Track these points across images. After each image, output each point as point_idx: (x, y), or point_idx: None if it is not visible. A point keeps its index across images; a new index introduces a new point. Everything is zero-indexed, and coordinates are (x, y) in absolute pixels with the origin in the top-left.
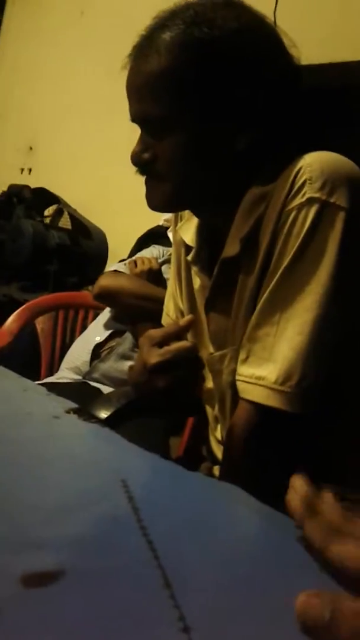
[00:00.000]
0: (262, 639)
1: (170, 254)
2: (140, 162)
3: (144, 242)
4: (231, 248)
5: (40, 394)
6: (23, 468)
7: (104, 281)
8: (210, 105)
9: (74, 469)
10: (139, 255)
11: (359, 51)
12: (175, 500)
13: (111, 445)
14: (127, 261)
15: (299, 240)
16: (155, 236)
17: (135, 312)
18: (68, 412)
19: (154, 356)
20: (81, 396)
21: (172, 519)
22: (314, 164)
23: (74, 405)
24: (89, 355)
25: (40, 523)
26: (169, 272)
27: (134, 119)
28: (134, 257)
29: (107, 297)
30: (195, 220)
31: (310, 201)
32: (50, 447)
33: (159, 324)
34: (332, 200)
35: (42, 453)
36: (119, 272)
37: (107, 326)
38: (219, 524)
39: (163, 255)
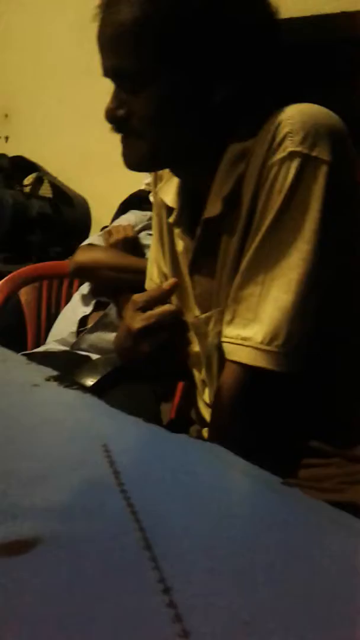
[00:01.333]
0: (245, 600)
1: (148, 220)
2: (115, 118)
3: (126, 207)
4: (213, 208)
5: (20, 363)
6: (2, 436)
7: (78, 257)
8: (184, 57)
9: (54, 436)
10: (114, 223)
11: (339, 3)
12: (158, 463)
13: (92, 412)
14: (102, 232)
15: (282, 196)
16: (138, 201)
17: (114, 284)
18: (48, 379)
19: (138, 321)
20: (70, 364)
21: (154, 481)
22: (294, 116)
23: (54, 372)
24: (75, 326)
25: (17, 491)
26: (147, 238)
27: (107, 73)
28: (109, 227)
29: (83, 273)
30: (175, 181)
31: (291, 155)
32: (29, 415)
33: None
34: (314, 153)
35: (21, 421)
36: (94, 245)
37: (91, 296)
38: (201, 484)
39: (141, 222)
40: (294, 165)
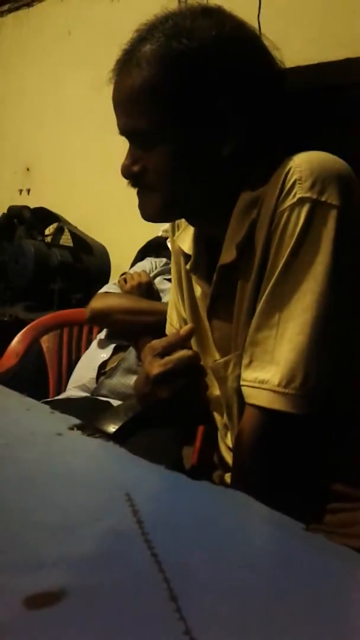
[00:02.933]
0: None
1: (163, 265)
2: (130, 174)
3: (144, 253)
4: (228, 254)
5: (44, 412)
6: (25, 487)
7: (94, 304)
8: (193, 114)
9: (77, 486)
10: (130, 270)
11: (343, 50)
12: (181, 510)
13: (115, 460)
14: (118, 280)
15: (293, 240)
16: (155, 247)
17: (130, 328)
18: (71, 428)
19: (156, 367)
20: (92, 410)
21: (177, 529)
22: (302, 164)
23: (77, 421)
24: (95, 372)
25: (42, 542)
26: (161, 283)
27: (122, 132)
28: (123, 275)
29: (99, 319)
30: (191, 229)
31: (301, 201)
32: (52, 465)
33: (158, 336)
34: (323, 198)
35: (45, 471)
36: (109, 292)
37: (110, 341)
38: (225, 532)
39: (156, 268)
40: (304, 210)
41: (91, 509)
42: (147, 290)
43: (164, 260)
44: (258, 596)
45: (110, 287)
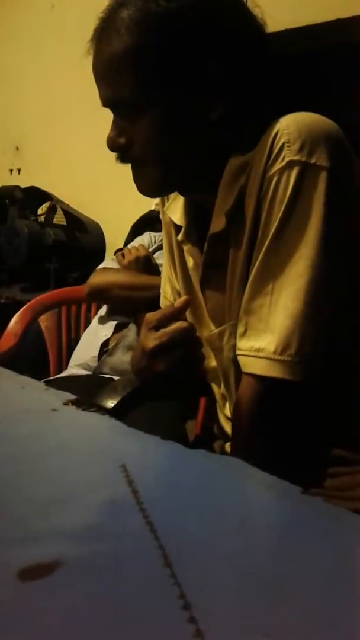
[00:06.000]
0: (267, 614)
1: (161, 239)
2: (116, 146)
3: (137, 229)
4: (217, 223)
5: (39, 390)
6: (20, 462)
7: (92, 280)
8: (177, 79)
9: (72, 459)
10: (129, 245)
11: (334, 11)
12: (176, 480)
13: (110, 432)
14: (115, 255)
15: (283, 205)
16: (149, 222)
17: (130, 303)
18: (66, 403)
19: (152, 340)
20: (93, 387)
21: (173, 497)
22: (290, 126)
23: (72, 396)
24: (97, 350)
25: (36, 515)
26: (161, 257)
27: (105, 103)
28: (121, 250)
29: (98, 295)
30: (181, 200)
31: (290, 164)
32: (48, 440)
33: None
34: (312, 161)
35: (39, 445)
36: (107, 268)
37: (110, 319)
38: (221, 498)
39: (155, 242)
40: (294, 174)
41: (86, 480)
42: (146, 264)
43: (162, 233)
44: (254, 560)
45: (109, 262)
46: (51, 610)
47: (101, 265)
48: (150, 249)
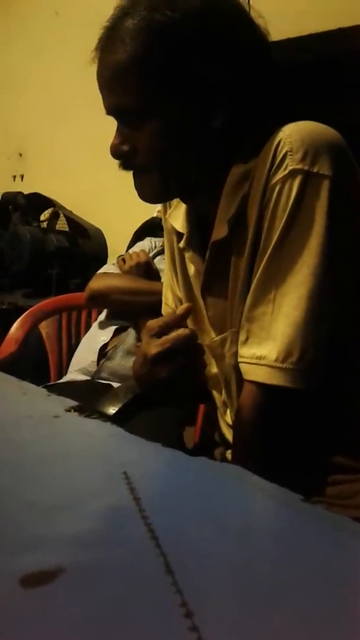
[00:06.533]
0: (267, 622)
1: (162, 245)
2: (120, 154)
3: (140, 235)
4: (220, 230)
5: (41, 396)
6: (21, 468)
7: (92, 284)
8: (179, 88)
9: (74, 466)
10: (129, 251)
11: (335, 20)
12: (177, 487)
13: (112, 440)
14: (116, 260)
15: (286, 213)
16: (151, 228)
17: (130, 308)
18: (68, 410)
19: (154, 347)
20: (92, 393)
21: (174, 505)
22: (293, 134)
23: (75, 403)
24: (96, 355)
25: (38, 522)
26: (161, 263)
27: (109, 111)
28: (122, 255)
29: (98, 299)
30: (183, 207)
31: (293, 173)
32: (49, 446)
33: (157, 316)
34: (315, 169)
35: (42, 452)
36: (107, 273)
37: (109, 324)
38: (222, 505)
39: (155, 247)
40: (296, 182)
41: (87, 487)
42: (146, 270)
43: (163, 240)
44: (255, 568)
45: (109, 267)
46: (53, 617)
47: (101, 270)
48: (151, 254)
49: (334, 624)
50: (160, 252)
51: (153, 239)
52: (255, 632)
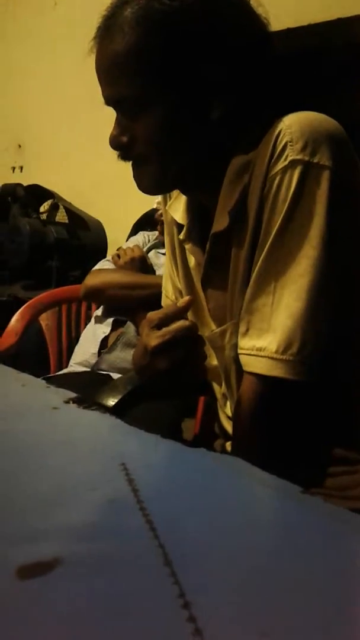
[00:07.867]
0: (266, 612)
1: (155, 239)
2: (119, 145)
3: (139, 227)
4: (220, 222)
5: (40, 387)
6: (19, 460)
7: (88, 280)
8: (178, 78)
9: (72, 457)
10: (123, 246)
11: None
12: (176, 478)
13: (111, 430)
14: (111, 256)
15: (286, 204)
16: (150, 220)
17: (126, 302)
18: (67, 401)
19: (154, 338)
20: (92, 385)
21: (173, 496)
22: (293, 125)
23: (74, 395)
24: (97, 347)
25: (35, 513)
26: (155, 257)
27: (108, 102)
28: (116, 251)
29: (94, 295)
30: (183, 198)
31: (293, 163)
32: (48, 438)
33: (154, 309)
34: (315, 160)
35: (40, 444)
36: (103, 269)
37: (103, 317)
38: (220, 496)
39: (149, 241)
40: (296, 173)
41: (86, 478)
42: (141, 264)
43: (157, 233)
44: (254, 559)
45: (104, 263)
46: (50, 608)
47: (97, 266)
48: (144, 249)
49: (333, 615)
50: (154, 246)
51: (146, 233)
52: (254, 623)
